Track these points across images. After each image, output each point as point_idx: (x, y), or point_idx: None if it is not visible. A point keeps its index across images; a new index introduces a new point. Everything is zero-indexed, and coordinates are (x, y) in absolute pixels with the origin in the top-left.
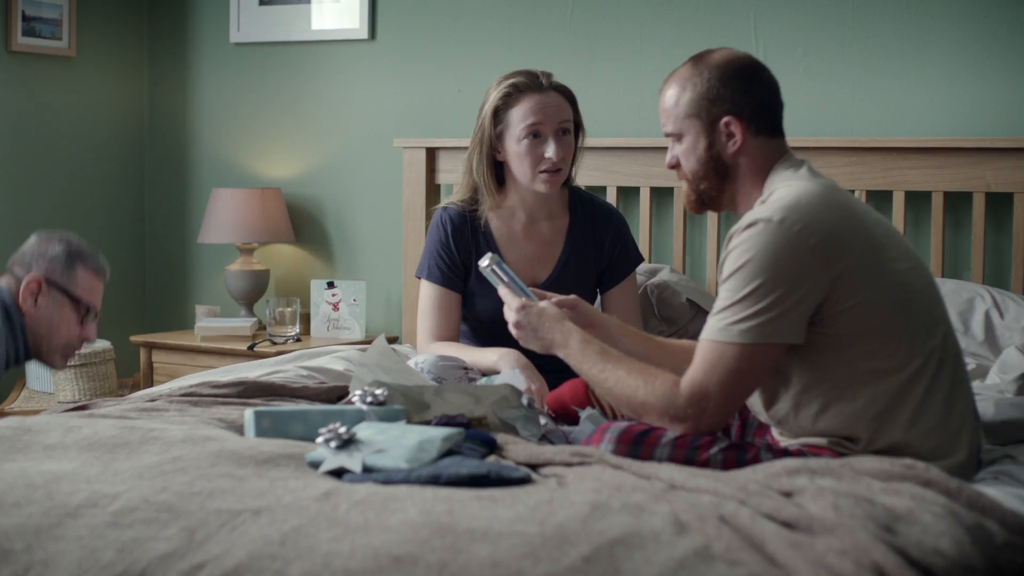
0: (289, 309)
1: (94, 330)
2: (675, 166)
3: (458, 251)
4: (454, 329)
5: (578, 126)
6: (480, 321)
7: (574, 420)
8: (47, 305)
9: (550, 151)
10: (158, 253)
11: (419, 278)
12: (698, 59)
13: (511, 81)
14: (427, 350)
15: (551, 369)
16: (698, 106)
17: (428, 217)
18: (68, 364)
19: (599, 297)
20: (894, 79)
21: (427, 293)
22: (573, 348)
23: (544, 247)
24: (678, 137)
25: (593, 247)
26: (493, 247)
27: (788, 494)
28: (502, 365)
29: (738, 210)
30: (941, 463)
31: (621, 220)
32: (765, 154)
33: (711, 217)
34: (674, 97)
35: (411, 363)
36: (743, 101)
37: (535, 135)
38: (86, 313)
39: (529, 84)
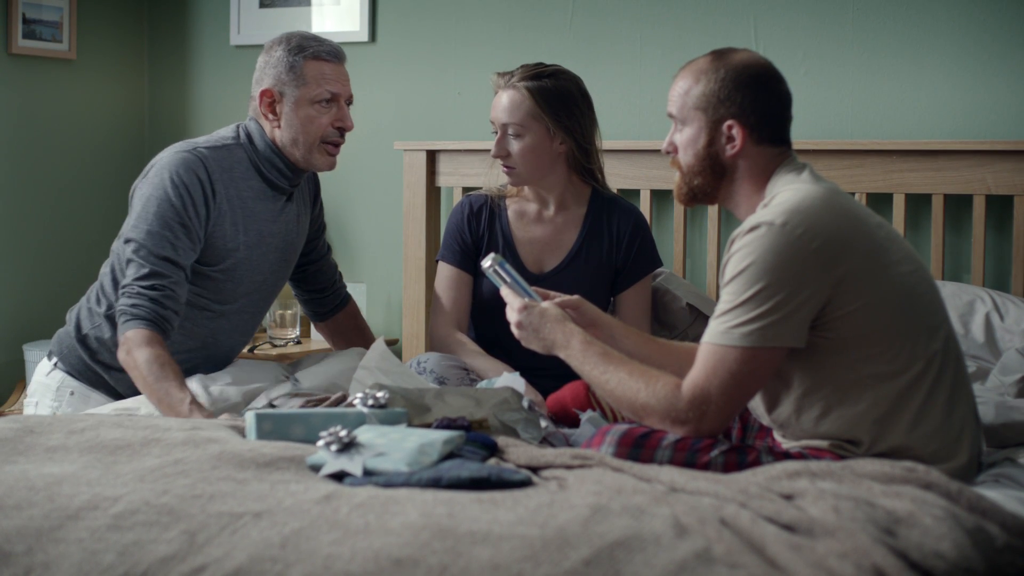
0: (289, 312)
1: (347, 113)
2: (671, 151)
3: (471, 233)
4: (464, 310)
5: (558, 124)
6: (480, 307)
7: (575, 423)
8: (286, 112)
9: (494, 148)
10: None
11: (437, 261)
12: (719, 55)
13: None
14: (438, 332)
15: (553, 374)
16: (706, 101)
17: (428, 219)
18: (334, 158)
19: (611, 301)
20: (894, 82)
21: (441, 273)
22: (575, 349)
23: (556, 234)
24: (681, 124)
25: (608, 240)
26: (506, 229)
27: (789, 497)
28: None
29: (738, 212)
30: (942, 466)
31: (642, 220)
32: (764, 161)
33: (711, 220)
34: (686, 86)
35: (414, 361)
36: (751, 108)
37: (494, 132)
38: (328, 102)
39: (496, 84)
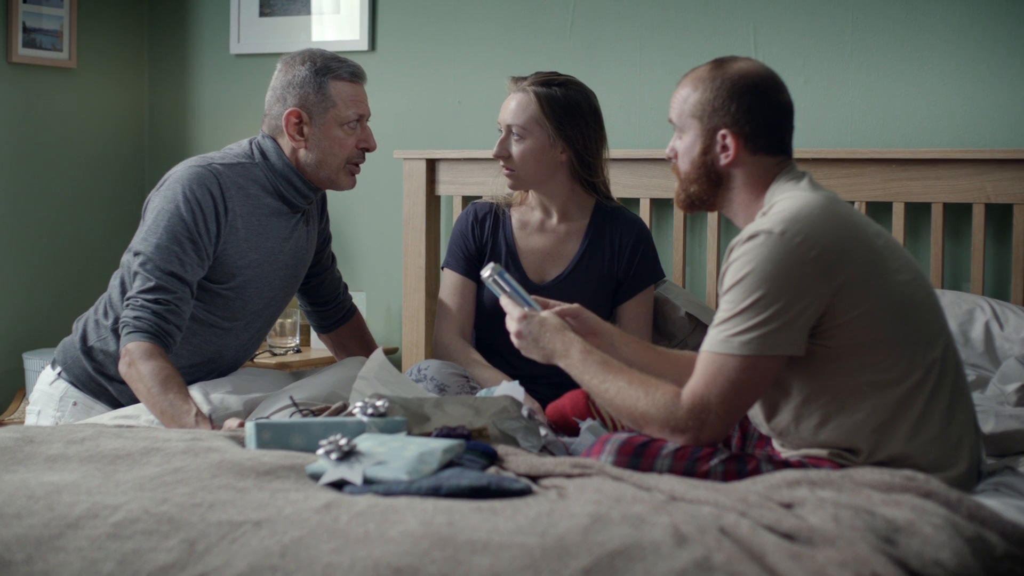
0: (289, 320)
1: (370, 134)
2: (672, 157)
3: (474, 240)
4: (468, 316)
5: (559, 132)
6: (481, 315)
7: (574, 431)
8: (314, 133)
9: (496, 148)
10: None
11: (442, 268)
12: (719, 64)
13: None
14: (442, 339)
15: (554, 382)
16: (701, 110)
17: (428, 228)
18: (356, 177)
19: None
20: (893, 90)
21: (445, 280)
22: (574, 358)
23: (558, 243)
24: (679, 131)
25: (610, 251)
26: (509, 238)
27: (788, 505)
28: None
29: (737, 220)
30: (941, 475)
31: (645, 230)
32: (761, 170)
33: (711, 229)
34: (685, 94)
35: (414, 368)
36: (745, 118)
37: (500, 131)
38: (356, 122)
39: (509, 86)
